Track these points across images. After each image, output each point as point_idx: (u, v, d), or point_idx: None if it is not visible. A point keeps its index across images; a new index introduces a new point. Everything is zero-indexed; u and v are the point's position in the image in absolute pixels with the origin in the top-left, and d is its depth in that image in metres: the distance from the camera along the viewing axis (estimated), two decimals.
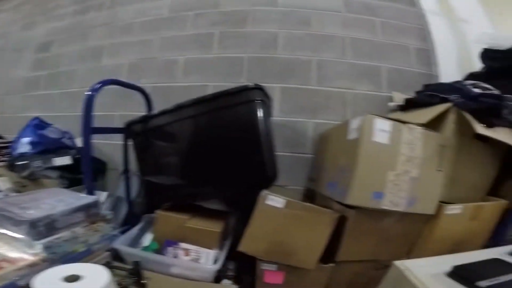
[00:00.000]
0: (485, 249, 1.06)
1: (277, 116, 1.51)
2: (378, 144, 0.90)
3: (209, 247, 1.15)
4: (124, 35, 1.94)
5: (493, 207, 1.14)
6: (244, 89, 1.05)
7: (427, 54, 1.63)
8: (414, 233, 1.12)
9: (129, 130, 1.28)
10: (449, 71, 1.57)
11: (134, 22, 1.95)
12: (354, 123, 0.94)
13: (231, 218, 1.31)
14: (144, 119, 1.25)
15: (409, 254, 1.15)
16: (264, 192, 1.00)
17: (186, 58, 1.73)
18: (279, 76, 1.58)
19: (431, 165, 0.97)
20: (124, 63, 1.87)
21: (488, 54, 1.27)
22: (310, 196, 1.43)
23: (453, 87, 1.18)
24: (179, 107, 1.15)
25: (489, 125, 1.02)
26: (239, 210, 1.27)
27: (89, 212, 0.91)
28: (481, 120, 1.02)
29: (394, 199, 0.92)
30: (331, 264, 1.12)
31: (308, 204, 1.01)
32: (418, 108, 1.21)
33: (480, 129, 0.99)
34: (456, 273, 0.76)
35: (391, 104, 1.39)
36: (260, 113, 1.03)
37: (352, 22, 1.66)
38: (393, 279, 0.84)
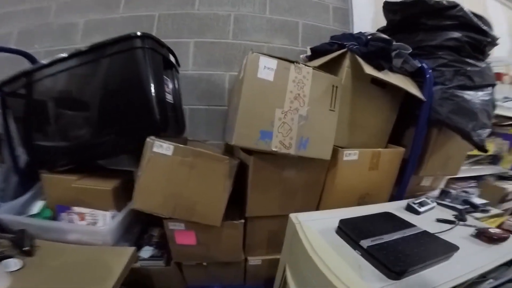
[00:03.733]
0: (385, 203, 1.10)
1: (191, 70, 1.48)
2: (264, 80, 0.86)
3: (104, 208, 1.06)
4: (15, 3, 1.67)
5: (390, 155, 1.19)
6: (127, 38, 0.96)
7: (345, 13, 1.67)
8: (317, 183, 1.14)
9: (2, 91, 1.08)
10: (363, 29, 1.61)
11: None
12: (243, 62, 0.89)
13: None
14: (21, 76, 1.05)
15: (318, 208, 1.16)
16: (150, 138, 0.91)
17: (87, 20, 1.55)
18: (194, 32, 1.51)
19: (323, 104, 0.97)
20: (13, 31, 1.62)
21: (388, 7, 1.31)
22: (230, 150, 1.39)
23: (353, 36, 1.20)
24: (60, 60, 1.00)
25: (379, 67, 1.06)
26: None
27: None
28: (371, 63, 1.05)
29: (285, 140, 0.91)
30: (241, 221, 1.09)
31: (199, 149, 0.94)
32: (321, 56, 1.21)
33: (369, 69, 1.01)
34: (342, 229, 0.75)
35: (302, 56, 1.38)
36: (143, 59, 0.97)
37: None
38: (290, 233, 0.83)
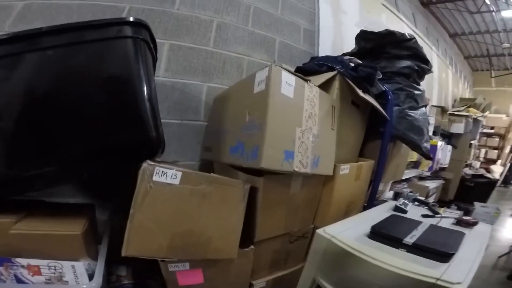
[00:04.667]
0: (376, 208, 1.21)
1: (163, 76, 1.27)
2: (285, 97, 0.83)
3: (70, 257, 0.77)
4: None
5: (367, 167, 1.34)
6: (120, 22, 0.73)
7: (312, 35, 1.81)
8: (315, 198, 1.16)
9: None
10: (326, 52, 1.79)
11: None
12: (261, 74, 0.84)
13: (96, 211, 0.98)
14: None
15: (314, 221, 1.20)
16: (148, 164, 0.70)
17: (27, 3, 1.13)
18: (171, 33, 1.31)
19: (327, 123, 1.01)
20: None
21: (364, 35, 1.50)
22: (207, 170, 1.26)
23: (337, 60, 1.32)
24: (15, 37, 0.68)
25: (365, 91, 1.19)
26: (111, 197, 0.97)
27: None
28: (358, 87, 1.17)
29: (303, 159, 0.89)
30: (251, 247, 0.99)
31: (213, 175, 0.82)
32: (308, 75, 1.27)
33: (361, 93, 1.12)
34: (376, 233, 0.81)
35: None
36: (135, 52, 0.73)
37: None
38: (322, 248, 0.83)
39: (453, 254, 0.71)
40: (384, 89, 1.37)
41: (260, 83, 0.83)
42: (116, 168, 0.80)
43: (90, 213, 0.91)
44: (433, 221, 1.00)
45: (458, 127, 3.12)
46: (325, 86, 1.18)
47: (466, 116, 3.19)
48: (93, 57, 0.70)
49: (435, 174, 2.68)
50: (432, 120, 2.47)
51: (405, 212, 1.10)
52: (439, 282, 0.59)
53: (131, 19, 0.74)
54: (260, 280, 1.13)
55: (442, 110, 2.85)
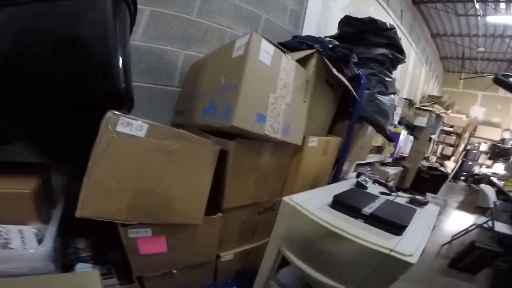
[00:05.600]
0: (340, 183, 1.30)
1: (138, 41, 1.26)
2: (263, 64, 0.88)
3: (19, 221, 0.70)
4: None
5: (335, 142, 1.45)
6: None
7: (298, 16, 1.85)
8: (284, 170, 1.22)
9: None
10: (309, 33, 1.84)
11: None
12: (241, 41, 0.88)
13: (53, 172, 0.91)
14: None
15: (282, 193, 1.25)
16: (112, 113, 0.66)
17: None
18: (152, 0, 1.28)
19: (300, 95, 1.08)
20: None
21: (348, 21, 1.57)
22: None
23: (317, 40, 1.38)
24: None
25: (340, 71, 1.28)
26: (71, 161, 0.86)
27: None
28: (334, 66, 1.25)
29: (274, 125, 0.96)
30: (219, 214, 0.98)
31: (181, 131, 0.79)
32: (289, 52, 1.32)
33: (335, 71, 1.20)
34: (337, 202, 0.86)
35: None
36: (118, 13, 0.74)
37: None
38: (287, 216, 0.86)
39: (405, 226, 0.76)
40: (357, 72, 1.47)
41: (239, 48, 0.87)
42: (81, 125, 0.74)
43: (44, 173, 0.82)
44: (389, 198, 1.08)
45: (421, 121, 3.39)
46: (302, 62, 1.24)
47: (430, 111, 3.46)
48: (71, 12, 0.68)
49: (396, 162, 2.94)
50: (399, 111, 2.67)
51: (365, 188, 1.19)
52: (393, 253, 0.65)
53: None
54: (227, 252, 1.13)
55: (410, 103, 3.08)
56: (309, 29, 1.87)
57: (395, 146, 2.48)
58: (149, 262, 0.90)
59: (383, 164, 2.65)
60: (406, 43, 3.56)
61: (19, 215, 0.70)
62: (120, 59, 0.73)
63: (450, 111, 4.53)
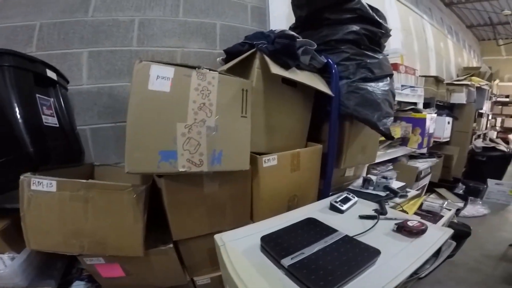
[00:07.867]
0: (310, 205, 1.06)
1: (87, 84, 1.27)
2: (157, 92, 0.75)
3: None
4: None
5: (309, 153, 1.19)
6: None
7: (262, 12, 1.65)
8: (245, 194, 1.07)
9: None
10: (279, 28, 1.62)
11: None
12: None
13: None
14: None
15: (253, 217, 1.11)
16: (24, 176, 0.76)
17: None
18: (88, 41, 1.29)
19: (233, 111, 0.90)
20: None
21: (296, 2, 1.33)
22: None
23: (263, 35, 1.17)
24: None
25: (285, 66, 1.04)
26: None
27: None
28: (277, 62, 1.03)
29: (194, 157, 0.81)
30: (169, 245, 0.97)
31: (91, 181, 0.80)
32: (234, 58, 1.15)
33: (275, 69, 0.98)
34: (264, 247, 0.70)
35: (218, 59, 1.31)
36: (2, 80, 0.80)
37: None
38: (219, 255, 0.75)
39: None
40: (325, 61, 1.20)
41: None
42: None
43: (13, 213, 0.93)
44: (362, 227, 0.81)
45: (459, 97, 2.74)
46: (246, 67, 1.07)
47: (467, 85, 2.80)
48: None
49: (432, 151, 2.41)
50: (421, 92, 2.19)
51: (341, 212, 0.95)
52: None
53: None
54: (204, 277, 1.12)
55: (436, 80, 2.50)
56: (278, 22, 1.64)
57: (421, 135, 2.01)
58: (116, 284, 0.99)
59: (413, 157, 2.19)
60: (415, 16, 2.99)
61: None
62: (22, 124, 0.81)
63: (496, 80, 3.65)
